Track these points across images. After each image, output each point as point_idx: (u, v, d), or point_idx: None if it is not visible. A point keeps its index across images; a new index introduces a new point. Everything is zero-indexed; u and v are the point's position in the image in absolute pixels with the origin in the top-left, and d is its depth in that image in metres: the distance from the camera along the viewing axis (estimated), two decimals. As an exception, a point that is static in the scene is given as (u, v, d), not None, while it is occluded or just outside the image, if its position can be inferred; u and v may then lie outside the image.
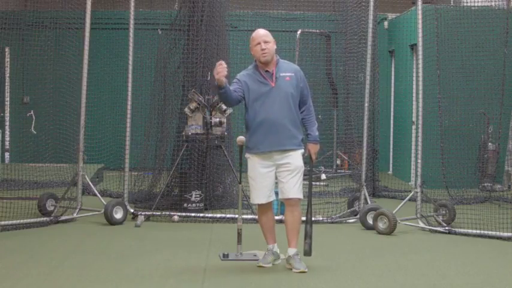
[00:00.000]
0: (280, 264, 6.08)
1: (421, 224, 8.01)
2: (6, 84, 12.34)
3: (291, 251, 5.94)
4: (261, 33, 5.91)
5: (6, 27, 9.24)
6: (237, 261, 6.18)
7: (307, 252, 5.96)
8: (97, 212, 8.17)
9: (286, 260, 6.01)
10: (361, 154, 8.74)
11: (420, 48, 8.26)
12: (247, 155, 5.95)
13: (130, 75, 8.60)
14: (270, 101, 5.84)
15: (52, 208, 8.37)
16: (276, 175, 5.93)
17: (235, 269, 5.95)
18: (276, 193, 6.08)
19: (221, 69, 5.51)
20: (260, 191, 5.91)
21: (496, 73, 10.13)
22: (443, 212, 8.18)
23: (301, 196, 5.94)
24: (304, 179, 6.00)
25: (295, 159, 5.89)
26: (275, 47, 5.93)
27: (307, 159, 6.08)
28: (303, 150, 5.98)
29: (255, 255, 6.26)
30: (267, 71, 5.90)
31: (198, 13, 9.09)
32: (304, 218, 6.01)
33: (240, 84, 5.89)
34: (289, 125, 5.86)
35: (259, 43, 5.85)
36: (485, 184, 10.20)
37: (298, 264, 5.89)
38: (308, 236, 5.96)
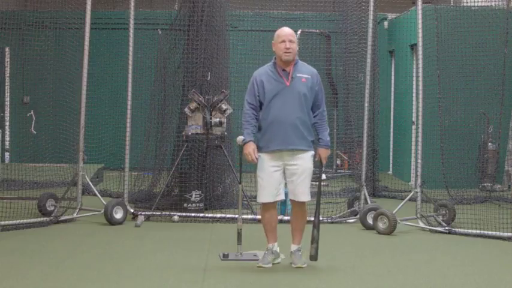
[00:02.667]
0: (280, 263, 6.09)
1: (421, 224, 8.01)
2: (6, 84, 12.34)
3: (294, 247, 6.06)
4: (288, 31, 5.91)
5: (6, 27, 9.24)
6: (237, 261, 6.18)
7: (314, 257, 5.99)
8: (97, 212, 8.16)
9: (289, 255, 6.09)
10: (361, 154, 8.74)
11: (420, 48, 8.26)
12: (258, 154, 5.93)
13: (130, 75, 8.60)
14: (282, 100, 5.85)
15: (52, 208, 8.37)
16: (285, 174, 5.94)
17: (235, 269, 5.95)
18: (285, 194, 6.09)
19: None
20: (267, 189, 5.92)
21: (496, 73, 10.12)
22: (443, 212, 8.18)
23: (309, 198, 6.00)
24: (312, 179, 6.05)
25: (305, 160, 5.91)
26: (297, 48, 5.94)
27: (317, 164, 6.09)
28: (313, 152, 5.98)
29: (255, 255, 6.27)
30: (284, 69, 5.91)
31: (198, 13, 9.10)
32: (309, 218, 6.08)
33: (257, 88, 5.89)
34: (300, 125, 5.86)
35: (284, 41, 5.84)
36: (485, 184, 10.20)
37: (297, 260, 6.00)
38: (315, 240, 5.99)
